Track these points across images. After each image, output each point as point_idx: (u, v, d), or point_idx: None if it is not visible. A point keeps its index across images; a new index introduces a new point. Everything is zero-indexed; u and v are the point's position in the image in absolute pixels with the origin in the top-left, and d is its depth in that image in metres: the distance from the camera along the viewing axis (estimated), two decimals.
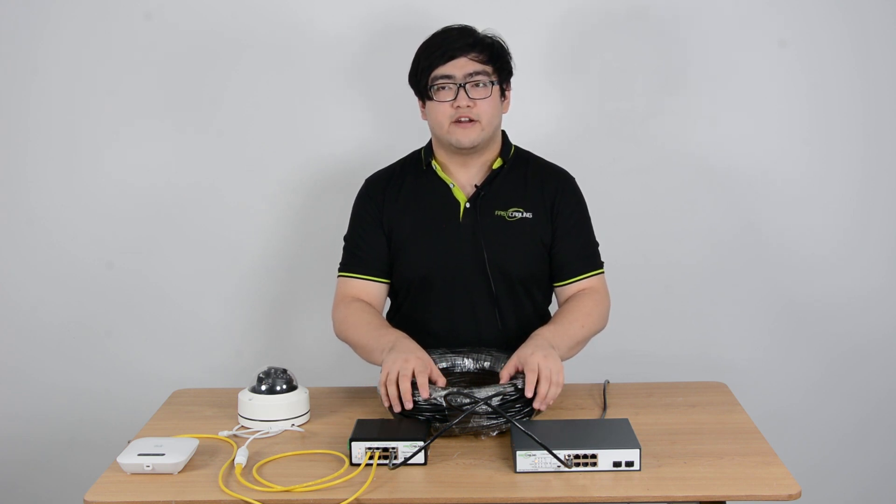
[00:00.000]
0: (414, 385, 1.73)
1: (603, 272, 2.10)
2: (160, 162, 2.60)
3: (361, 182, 2.15)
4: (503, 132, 2.12)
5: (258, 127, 2.58)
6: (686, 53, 2.53)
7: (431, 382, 1.75)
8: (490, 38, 2.03)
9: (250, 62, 2.55)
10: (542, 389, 1.75)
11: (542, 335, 1.90)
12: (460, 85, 1.97)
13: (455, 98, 1.98)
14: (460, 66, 1.98)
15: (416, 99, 2.09)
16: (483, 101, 1.98)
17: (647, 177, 2.59)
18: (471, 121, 1.98)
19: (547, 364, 1.76)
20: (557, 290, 2.11)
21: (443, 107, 1.99)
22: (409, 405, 1.72)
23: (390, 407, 1.76)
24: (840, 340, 2.66)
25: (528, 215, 2.06)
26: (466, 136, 1.99)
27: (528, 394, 1.74)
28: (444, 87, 1.99)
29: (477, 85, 1.98)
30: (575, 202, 2.10)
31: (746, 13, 2.52)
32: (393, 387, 1.74)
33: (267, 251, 2.65)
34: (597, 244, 2.12)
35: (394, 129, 2.55)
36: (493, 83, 2.00)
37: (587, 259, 2.08)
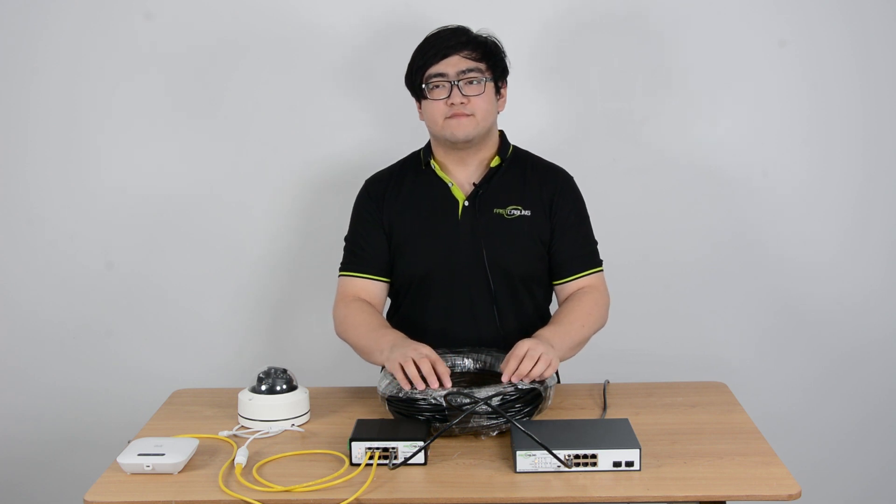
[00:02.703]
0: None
1: (602, 270, 2.11)
2: (160, 162, 2.60)
3: (361, 183, 2.16)
4: (501, 132, 2.13)
5: (258, 127, 2.58)
6: (686, 53, 2.53)
7: (423, 391, 1.75)
8: (483, 37, 2.04)
9: (250, 63, 2.55)
10: (512, 365, 1.77)
11: (542, 335, 1.91)
12: (453, 83, 1.98)
13: (449, 96, 1.99)
14: (453, 64, 1.99)
15: (414, 100, 2.09)
16: (477, 98, 1.99)
17: (646, 177, 2.59)
18: (464, 115, 1.99)
19: (536, 349, 1.80)
20: (557, 288, 2.11)
21: (437, 104, 2.00)
22: (434, 384, 1.74)
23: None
24: (840, 340, 2.66)
25: (527, 213, 2.06)
26: (461, 128, 2.00)
27: (502, 367, 1.78)
28: (437, 86, 2.00)
29: (470, 82, 1.99)
30: (573, 200, 2.10)
31: (746, 13, 2.52)
32: (412, 366, 1.76)
33: (267, 251, 2.65)
34: (596, 242, 2.12)
35: (394, 130, 2.55)
36: (486, 80, 2.01)
37: (586, 257, 2.09)
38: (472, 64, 2.00)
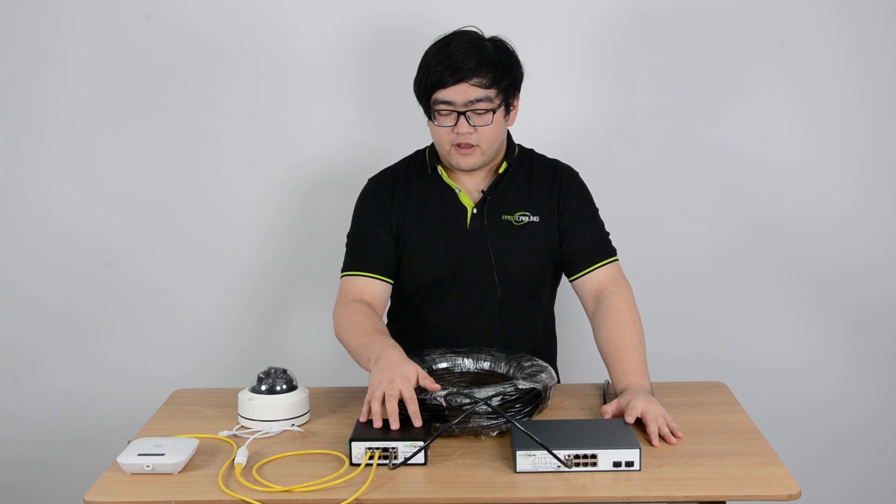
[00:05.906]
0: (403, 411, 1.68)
1: (617, 259, 2.07)
2: (159, 162, 2.60)
3: (361, 183, 2.14)
4: (507, 131, 2.10)
5: (257, 127, 2.58)
6: (686, 53, 2.53)
7: (424, 392, 1.71)
8: (497, 54, 1.95)
9: (249, 62, 2.55)
10: (653, 428, 1.71)
11: (633, 387, 1.84)
12: (461, 112, 1.93)
13: (456, 124, 1.94)
14: (462, 92, 1.91)
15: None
16: (484, 128, 1.94)
17: (646, 177, 2.59)
18: (470, 146, 1.96)
19: (650, 407, 1.74)
20: (575, 283, 2.06)
21: (444, 131, 1.96)
22: (395, 425, 1.66)
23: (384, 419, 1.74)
24: (840, 340, 2.66)
25: (535, 219, 2.05)
26: (466, 161, 1.98)
27: (655, 442, 1.69)
28: (445, 113, 1.94)
29: (478, 112, 1.93)
30: (581, 196, 2.09)
31: (746, 13, 2.52)
32: (378, 404, 1.68)
33: (267, 251, 2.65)
34: (607, 233, 2.10)
35: (391, 130, 2.55)
36: (494, 111, 1.94)
37: (600, 248, 2.05)
38: (481, 93, 1.92)
